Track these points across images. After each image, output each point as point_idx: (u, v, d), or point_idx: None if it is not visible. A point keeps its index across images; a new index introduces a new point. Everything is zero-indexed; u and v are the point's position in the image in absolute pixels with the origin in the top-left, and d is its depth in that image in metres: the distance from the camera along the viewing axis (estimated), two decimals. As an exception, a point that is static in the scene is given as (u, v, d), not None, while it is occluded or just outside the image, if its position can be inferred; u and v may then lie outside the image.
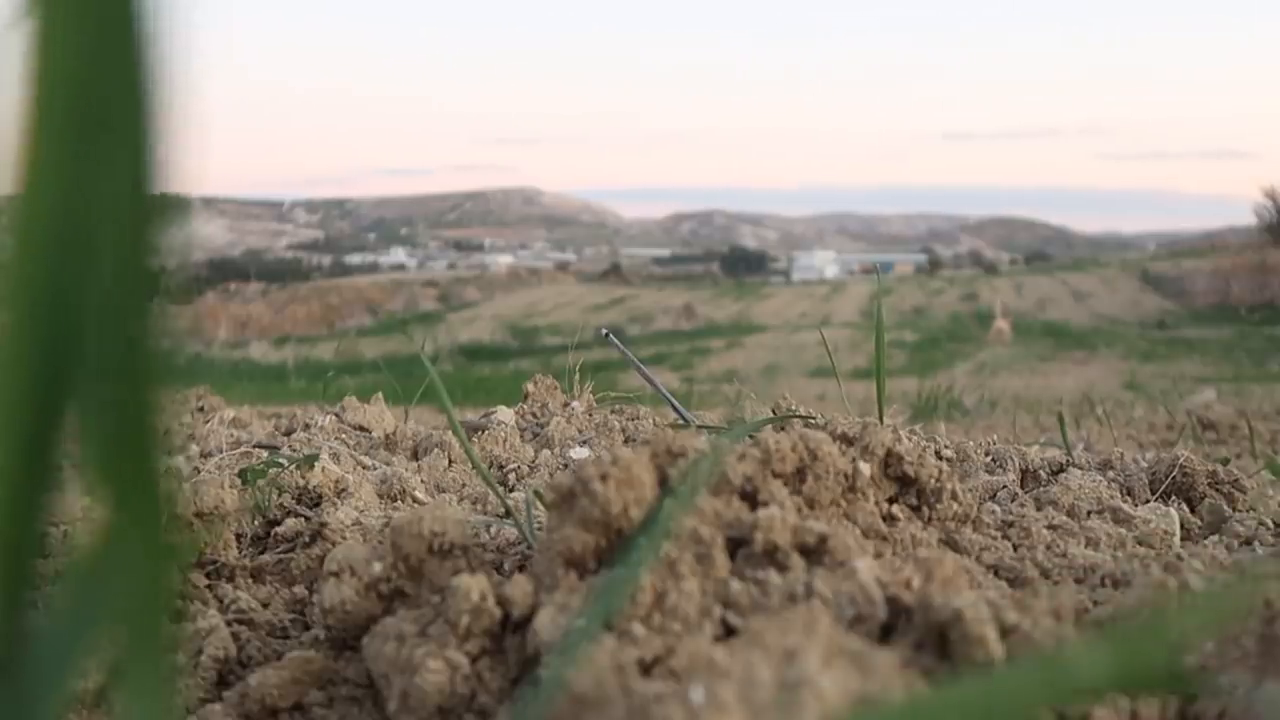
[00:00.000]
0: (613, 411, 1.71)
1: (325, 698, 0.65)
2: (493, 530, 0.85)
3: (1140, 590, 0.66)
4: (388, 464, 1.36)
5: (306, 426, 1.65)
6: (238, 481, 1.04)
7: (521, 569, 0.73)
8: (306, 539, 0.95)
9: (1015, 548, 0.78)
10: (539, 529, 0.75)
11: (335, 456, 1.28)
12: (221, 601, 0.82)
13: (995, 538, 0.78)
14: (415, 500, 1.16)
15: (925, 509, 0.75)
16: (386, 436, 1.60)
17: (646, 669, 0.50)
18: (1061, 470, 1.13)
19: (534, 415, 1.70)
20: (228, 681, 0.70)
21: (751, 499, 0.64)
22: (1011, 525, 0.81)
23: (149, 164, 0.23)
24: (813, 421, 1.00)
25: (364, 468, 1.29)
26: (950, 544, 0.75)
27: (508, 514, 0.88)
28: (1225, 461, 1.15)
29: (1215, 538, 0.92)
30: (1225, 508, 1.01)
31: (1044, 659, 0.27)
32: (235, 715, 0.64)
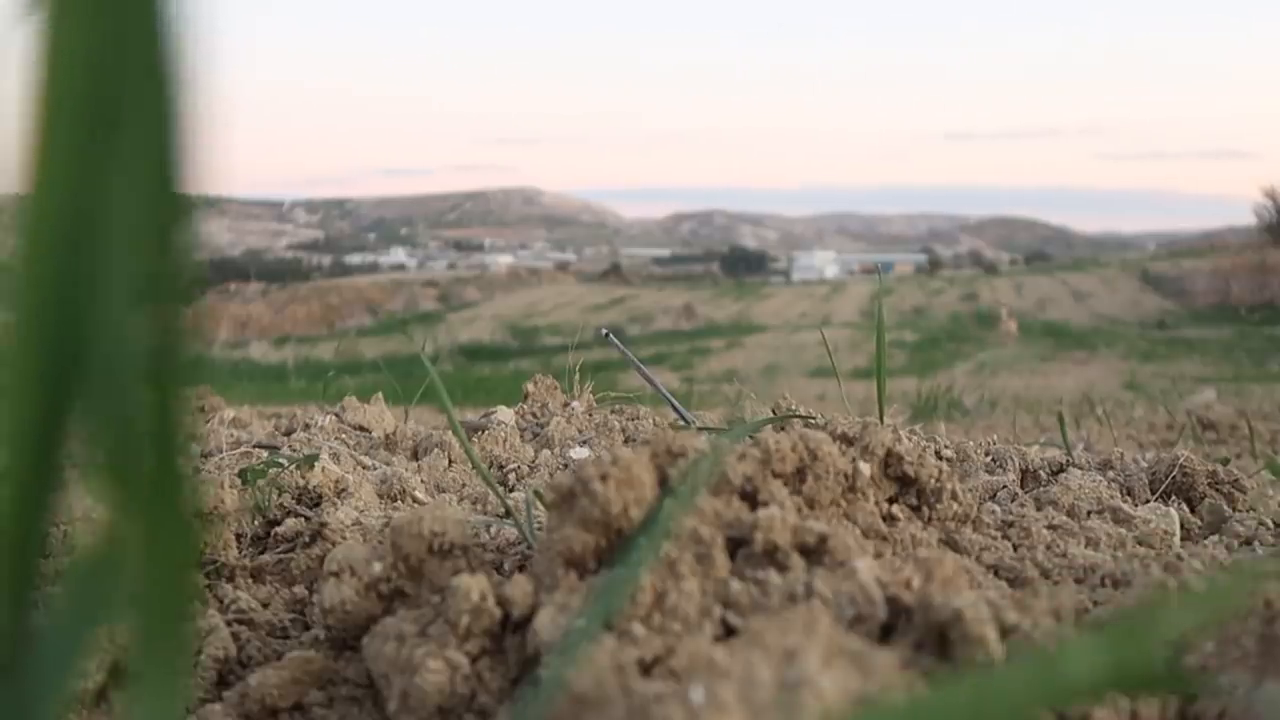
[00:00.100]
0: (613, 411, 1.71)
1: (325, 698, 0.65)
2: (493, 530, 0.85)
3: (1140, 590, 0.66)
4: (388, 464, 1.36)
5: (306, 426, 1.65)
6: (238, 481, 1.04)
7: (521, 569, 0.73)
8: (306, 539, 0.95)
9: (1015, 548, 0.78)
10: (539, 529, 0.75)
11: (335, 456, 1.28)
12: (221, 601, 0.82)
13: (995, 538, 0.78)
14: (415, 500, 1.16)
15: (925, 509, 0.75)
16: (386, 436, 1.60)
17: (646, 669, 0.50)
18: (1061, 470, 1.13)
19: (534, 415, 1.70)
20: (228, 681, 0.70)
21: (751, 499, 0.64)
22: (1011, 525, 0.81)
23: (167, 163, 0.23)
24: (813, 421, 1.00)
25: (364, 468, 1.29)
26: (950, 544, 0.75)
27: (508, 514, 0.88)
28: (1225, 461, 1.15)
29: (1215, 538, 0.92)
30: (1225, 508, 1.01)
31: (1040, 657, 0.27)
32: (235, 715, 0.64)
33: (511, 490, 1.28)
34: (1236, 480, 1.06)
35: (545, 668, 0.54)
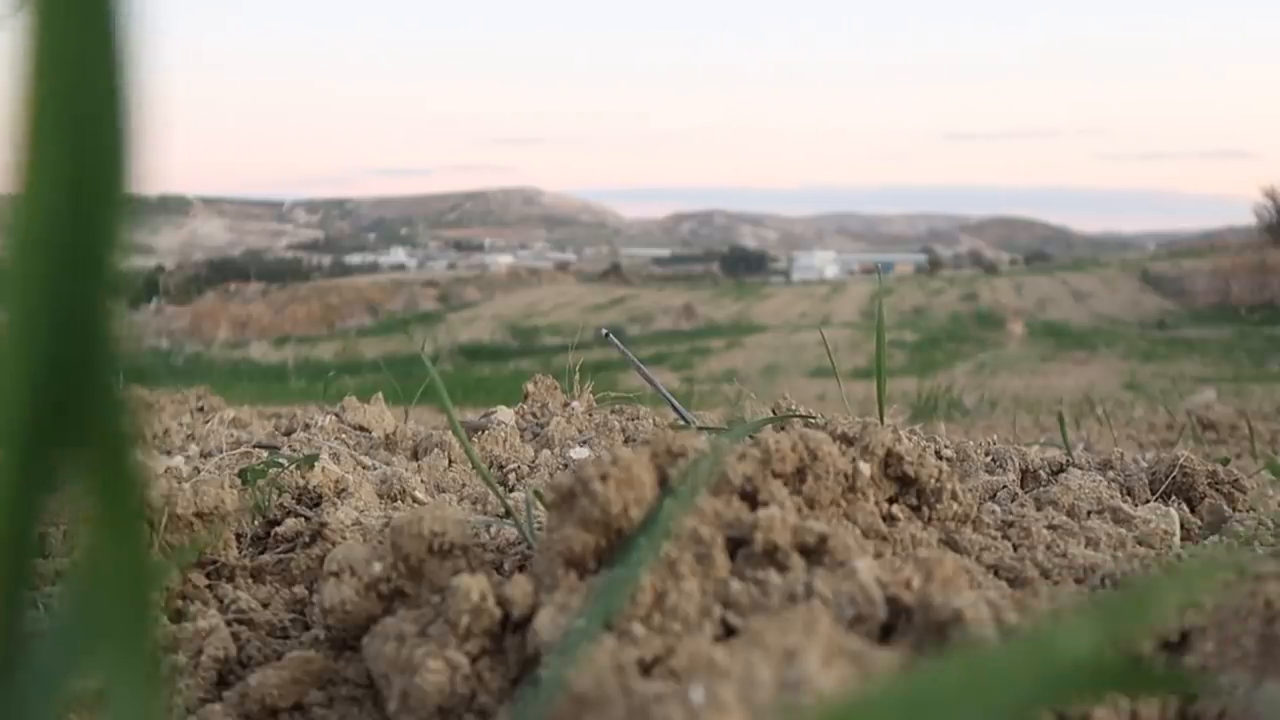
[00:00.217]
0: (613, 411, 1.71)
1: (325, 698, 0.65)
2: (493, 530, 0.85)
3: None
4: (388, 464, 1.36)
5: (306, 426, 1.65)
6: (238, 481, 1.04)
7: (521, 569, 0.73)
8: (306, 539, 0.95)
9: (1015, 548, 0.78)
10: (539, 529, 0.75)
11: (335, 456, 1.28)
12: (221, 601, 0.82)
13: (995, 538, 0.78)
14: (415, 500, 1.16)
15: (925, 509, 0.75)
16: (386, 436, 1.60)
17: (646, 669, 0.50)
18: (1061, 470, 1.13)
19: (534, 415, 1.70)
20: (228, 681, 0.70)
21: (751, 499, 0.64)
22: (1011, 525, 0.81)
23: (125, 164, 0.23)
24: (813, 421, 1.00)
25: (364, 468, 1.29)
26: (950, 544, 0.75)
27: (508, 514, 0.88)
28: (1225, 461, 1.15)
29: (1215, 538, 0.92)
30: (1225, 508, 1.01)
31: (1032, 637, 0.27)
32: (235, 715, 0.64)
33: (511, 490, 1.28)
34: (1236, 480, 1.06)
35: (545, 668, 0.54)
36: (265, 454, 1.29)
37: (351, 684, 0.66)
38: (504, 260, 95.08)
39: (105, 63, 0.22)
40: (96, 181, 0.22)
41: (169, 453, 1.39)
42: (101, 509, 0.24)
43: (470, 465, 1.37)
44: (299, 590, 0.86)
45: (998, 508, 0.85)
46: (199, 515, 0.89)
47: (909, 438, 0.75)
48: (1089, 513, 0.90)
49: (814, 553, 0.59)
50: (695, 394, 5.01)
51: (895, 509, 0.72)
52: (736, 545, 0.60)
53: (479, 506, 1.15)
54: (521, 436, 1.54)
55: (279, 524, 0.99)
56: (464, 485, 1.27)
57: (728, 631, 0.55)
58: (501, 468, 1.40)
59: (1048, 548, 0.77)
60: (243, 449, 1.38)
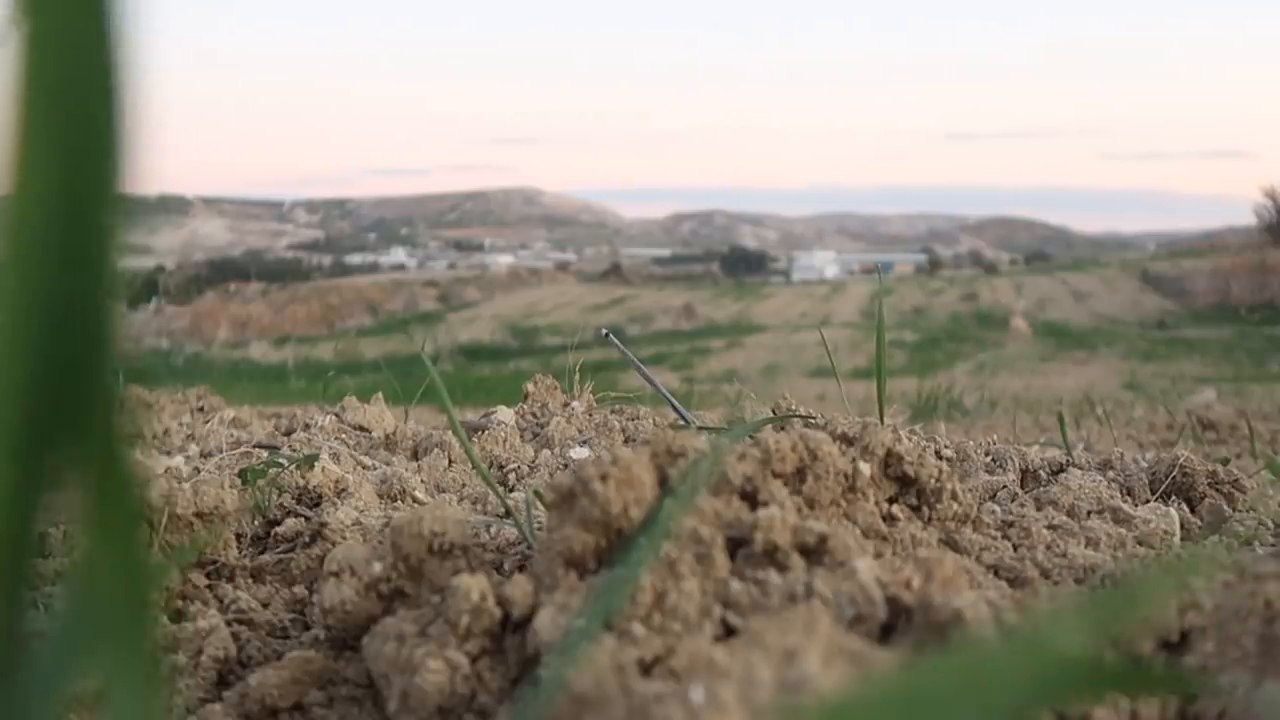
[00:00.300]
0: (613, 411, 1.71)
1: (325, 698, 0.65)
2: (493, 530, 0.85)
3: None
4: (388, 464, 1.36)
5: (306, 426, 1.65)
6: (238, 481, 1.04)
7: (521, 569, 0.73)
8: (306, 539, 0.95)
9: (1015, 548, 0.78)
10: (539, 529, 0.75)
11: (335, 456, 1.28)
12: (221, 601, 0.82)
13: (995, 538, 0.78)
14: (415, 500, 1.16)
15: (925, 509, 0.75)
16: (386, 436, 1.60)
17: (646, 669, 0.50)
18: (1061, 470, 1.13)
19: (534, 415, 1.70)
20: (228, 681, 0.70)
21: (751, 499, 0.64)
22: (1011, 525, 0.81)
23: (122, 164, 0.23)
24: (813, 421, 1.00)
25: (364, 468, 1.29)
26: (950, 544, 0.75)
27: (508, 514, 0.88)
28: (1225, 461, 1.15)
29: (1215, 538, 0.92)
30: (1225, 508, 1.01)
31: (1026, 633, 0.27)
32: (235, 715, 0.64)
33: (511, 490, 1.28)
34: (1236, 480, 1.06)
35: (545, 668, 0.54)
36: (265, 454, 1.29)
37: (351, 684, 0.66)
38: (504, 260, 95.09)
39: (102, 62, 0.22)
40: (94, 181, 0.22)
41: (169, 453, 1.39)
42: (101, 509, 0.24)
43: (470, 465, 1.37)
44: (299, 590, 0.86)
45: (998, 508, 0.85)
46: (199, 515, 0.89)
47: (909, 438, 0.75)
48: (1089, 513, 0.90)
49: (814, 553, 0.59)
50: (695, 394, 5.01)
51: (895, 509, 0.72)
52: (736, 545, 0.60)
53: (479, 506, 1.15)
54: (521, 436, 1.54)
55: (279, 524, 0.99)
56: (464, 485, 1.27)
57: (728, 631, 0.55)
58: (501, 468, 1.40)
59: (1048, 548, 0.77)
60: (243, 449, 1.38)
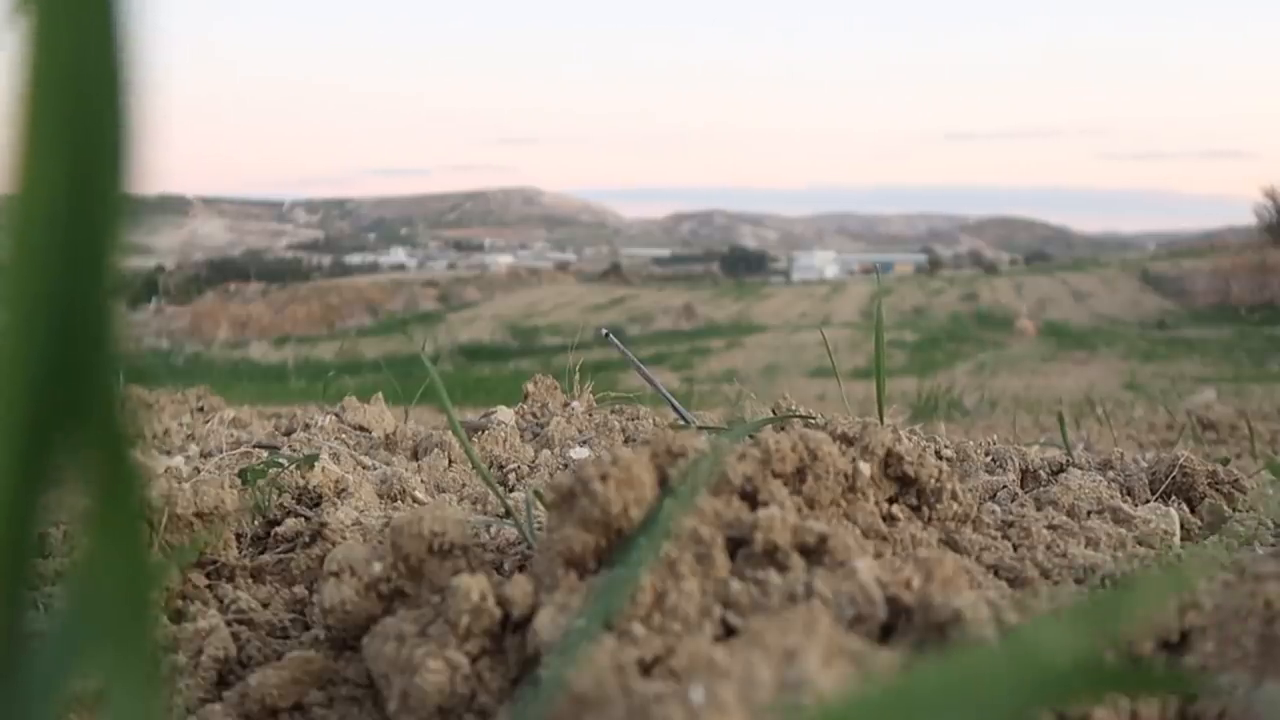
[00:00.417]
0: (613, 411, 1.71)
1: (325, 698, 0.65)
2: (493, 530, 0.85)
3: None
4: (388, 464, 1.36)
5: (306, 426, 1.65)
6: (238, 481, 1.04)
7: (521, 569, 0.73)
8: (306, 539, 0.95)
9: (1015, 548, 0.78)
10: (539, 529, 0.75)
11: (335, 456, 1.28)
12: (221, 601, 0.82)
13: (995, 538, 0.78)
14: (415, 500, 1.16)
15: (925, 509, 0.75)
16: (386, 436, 1.60)
17: (646, 669, 0.50)
18: (1061, 470, 1.13)
19: (534, 415, 1.70)
20: (228, 681, 0.70)
21: (751, 499, 0.64)
22: (1011, 525, 0.81)
23: (124, 163, 0.23)
24: (813, 421, 1.00)
25: (364, 468, 1.29)
26: (950, 544, 0.75)
27: (508, 514, 0.88)
28: (1225, 461, 1.15)
29: (1215, 538, 0.92)
30: (1225, 508, 1.01)
31: (1020, 636, 0.27)
32: (235, 715, 0.64)
33: (511, 490, 1.28)
34: (1236, 480, 1.06)
35: (545, 668, 0.54)
36: (265, 454, 1.29)
37: (351, 684, 0.66)
38: (504, 260, 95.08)
39: (104, 62, 0.22)
40: (95, 181, 0.22)
41: (169, 453, 1.39)
42: (101, 509, 0.24)
43: (470, 465, 1.37)
44: (299, 590, 0.86)
45: (998, 508, 0.85)
46: (199, 515, 0.89)
47: (909, 438, 0.75)
48: (1089, 513, 0.90)
49: (814, 553, 0.59)
50: (695, 394, 5.01)
51: (895, 509, 0.72)
52: (736, 545, 0.60)
53: (479, 506, 1.15)
54: (521, 436, 1.54)
55: (279, 524, 0.99)
56: (464, 485, 1.27)
57: (728, 631, 0.55)
58: (501, 468, 1.40)
59: (1048, 548, 0.77)
60: (243, 449, 1.39)
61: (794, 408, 1.38)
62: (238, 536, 0.96)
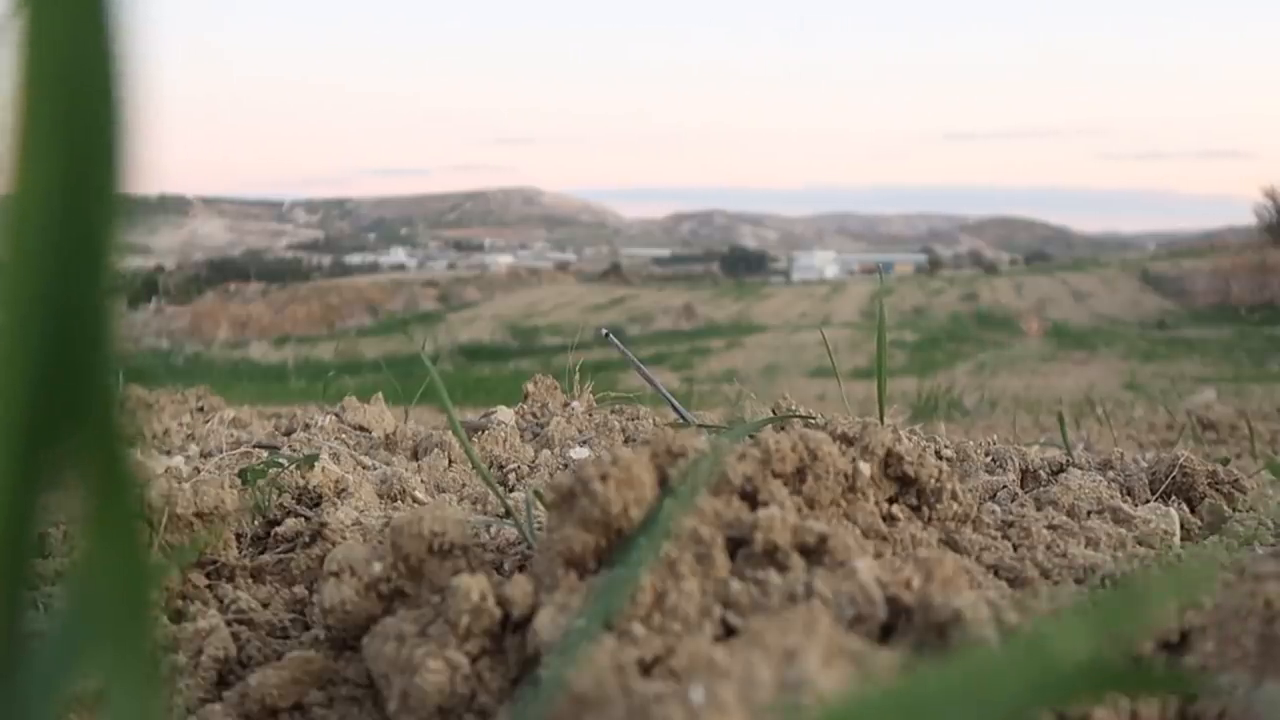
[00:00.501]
0: (613, 411, 1.71)
1: (325, 698, 0.65)
2: (493, 530, 0.85)
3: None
4: (388, 464, 1.36)
5: (306, 426, 1.65)
6: (238, 481, 1.04)
7: (521, 569, 0.73)
8: (306, 539, 0.95)
9: (1015, 548, 0.78)
10: (539, 529, 0.75)
11: (335, 456, 1.28)
12: (221, 601, 0.82)
13: (995, 538, 0.78)
14: (415, 500, 1.16)
15: (925, 509, 0.75)
16: (386, 436, 1.60)
17: (646, 669, 0.50)
18: (1061, 470, 1.13)
19: (534, 415, 1.70)
20: (228, 681, 0.70)
21: (751, 499, 0.64)
22: (1011, 525, 0.81)
23: (122, 163, 0.23)
24: (813, 421, 1.00)
25: (364, 468, 1.29)
26: (950, 544, 0.75)
27: (508, 514, 0.88)
28: (1225, 461, 1.15)
29: (1215, 538, 0.92)
30: (1225, 508, 1.01)
31: (1028, 638, 0.27)
32: (235, 715, 0.64)
33: (511, 490, 1.28)
34: (1236, 480, 1.06)
35: (545, 668, 0.54)
36: (265, 454, 1.29)
37: (351, 684, 0.66)
38: (504, 260, 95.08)
39: (102, 62, 0.22)
40: (91, 181, 0.22)
41: (169, 453, 1.39)
42: (101, 509, 0.24)
43: (470, 465, 1.37)
44: (299, 590, 0.86)
45: (998, 508, 0.85)
46: (199, 515, 0.89)
47: (909, 438, 0.75)
48: (1089, 513, 0.90)
49: (814, 553, 0.59)
50: (695, 394, 5.01)
51: (895, 509, 0.72)
52: (736, 545, 0.60)
53: (479, 506, 1.14)
54: (521, 436, 1.54)
55: (279, 524, 0.99)
56: (464, 485, 1.27)
57: (728, 631, 0.55)
58: (501, 468, 1.40)
59: (1048, 548, 0.77)
60: (243, 449, 1.39)
61: (794, 408, 1.38)
62: (238, 536, 0.96)
